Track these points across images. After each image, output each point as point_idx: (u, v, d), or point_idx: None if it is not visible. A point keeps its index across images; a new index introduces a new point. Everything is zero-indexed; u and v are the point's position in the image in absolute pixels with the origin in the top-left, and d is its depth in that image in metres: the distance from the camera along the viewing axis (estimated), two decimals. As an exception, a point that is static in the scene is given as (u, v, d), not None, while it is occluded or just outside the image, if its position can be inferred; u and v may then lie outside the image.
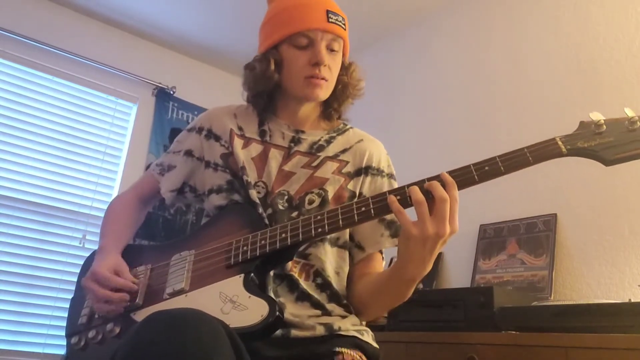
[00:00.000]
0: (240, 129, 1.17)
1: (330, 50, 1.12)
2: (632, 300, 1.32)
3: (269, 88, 1.15)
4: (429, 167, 2.30)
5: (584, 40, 2.00)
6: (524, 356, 1.28)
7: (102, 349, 0.99)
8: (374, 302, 1.06)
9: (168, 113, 3.13)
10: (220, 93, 3.31)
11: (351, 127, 1.23)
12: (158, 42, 3.17)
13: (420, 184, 0.88)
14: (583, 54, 1.99)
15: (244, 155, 1.12)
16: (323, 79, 1.09)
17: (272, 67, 1.11)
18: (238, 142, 1.14)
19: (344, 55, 1.18)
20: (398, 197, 0.87)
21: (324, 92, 1.12)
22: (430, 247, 0.85)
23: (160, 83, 3.09)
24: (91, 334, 1.02)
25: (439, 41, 2.66)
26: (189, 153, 1.19)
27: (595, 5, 2.01)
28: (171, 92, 3.13)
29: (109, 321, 1.01)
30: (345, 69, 1.18)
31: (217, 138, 1.17)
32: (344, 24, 1.14)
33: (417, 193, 0.85)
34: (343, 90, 1.18)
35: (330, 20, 1.10)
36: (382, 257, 1.15)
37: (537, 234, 1.88)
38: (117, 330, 0.98)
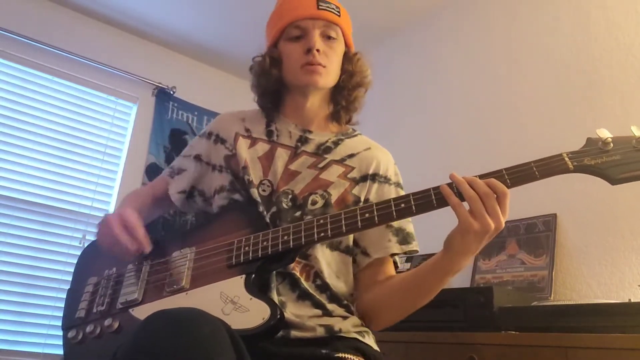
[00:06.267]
0: (247, 130, 1.17)
1: (327, 37, 1.11)
2: (632, 300, 1.32)
3: (270, 84, 1.15)
4: (429, 168, 2.31)
5: (584, 41, 2.00)
6: (524, 356, 1.28)
7: (100, 344, 0.99)
8: (398, 303, 1.02)
9: (168, 113, 3.12)
10: (220, 93, 3.31)
11: (360, 134, 1.22)
12: (158, 42, 3.17)
13: (450, 185, 0.87)
14: (583, 55, 1.99)
15: (250, 154, 1.11)
16: (319, 64, 1.08)
17: (268, 62, 1.12)
18: (243, 143, 1.13)
19: (348, 46, 1.17)
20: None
21: (323, 78, 1.10)
22: (485, 241, 0.87)
23: (160, 83, 3.09)
24: (89, 328, 1.01)
25: (439, 42, 2.66)
26: (197, 158, 1.20)
27: (595, 5, 2.01)
28: (171, 92, 3.13)
29: (107, 316, 1.00)
30: (349, 58, 1.16)
31: (223, 141, 1.18)
32: (338, 11, 1.12)
33: (468, 189, 0.84)
34: (349, 80, 1.15)
35: (320, 7, 1.10)
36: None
37: (537, 234, 1.88)
38: (116, 325, 0.98)
